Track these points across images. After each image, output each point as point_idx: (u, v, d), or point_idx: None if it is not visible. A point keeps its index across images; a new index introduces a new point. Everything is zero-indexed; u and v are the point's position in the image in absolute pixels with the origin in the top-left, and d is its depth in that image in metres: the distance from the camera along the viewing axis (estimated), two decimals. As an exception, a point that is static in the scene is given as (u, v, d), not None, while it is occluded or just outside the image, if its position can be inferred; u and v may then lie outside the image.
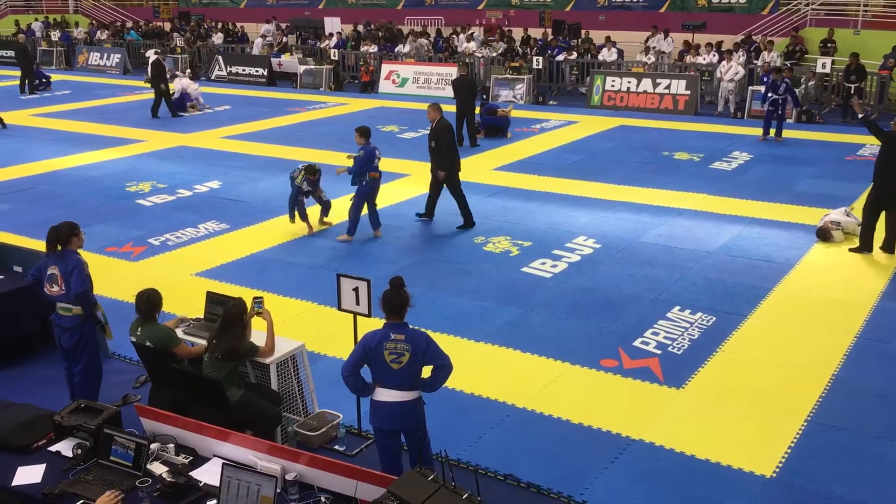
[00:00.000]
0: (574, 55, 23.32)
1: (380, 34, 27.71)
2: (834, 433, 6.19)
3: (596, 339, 7.79)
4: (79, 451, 4.75)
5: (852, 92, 18.18)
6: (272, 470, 4.39)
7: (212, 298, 6.44)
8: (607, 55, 22.64)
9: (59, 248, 6.22)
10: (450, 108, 16.16)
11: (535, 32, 26.11)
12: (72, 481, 4.55)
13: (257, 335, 5.95)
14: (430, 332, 5.22)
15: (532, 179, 13.60)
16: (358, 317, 6.14)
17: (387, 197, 10.87)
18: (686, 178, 13.55)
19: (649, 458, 5.92)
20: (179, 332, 6.19)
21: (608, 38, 23.39)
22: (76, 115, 20.16)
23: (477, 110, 16.95)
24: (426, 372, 5.13)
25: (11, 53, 28.13)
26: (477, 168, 14.27)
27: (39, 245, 8.42)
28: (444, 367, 5.07)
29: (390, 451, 5.22)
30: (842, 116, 18.51)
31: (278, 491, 4.25)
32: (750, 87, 19.24)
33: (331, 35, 27.70)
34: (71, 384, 6.47)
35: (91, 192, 13.11)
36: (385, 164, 10.66)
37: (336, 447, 6.05)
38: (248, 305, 5.91)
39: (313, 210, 11.08)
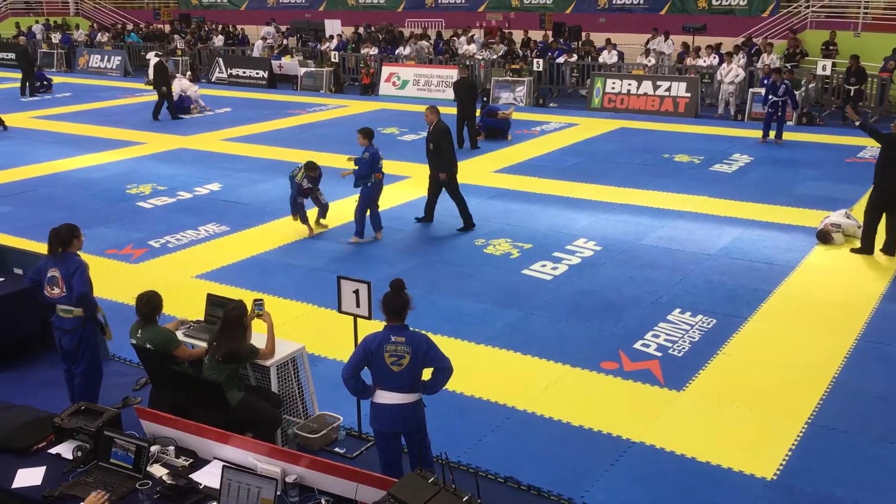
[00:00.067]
0: (574, 57, 23.33)
1: (380, 36, 27.73)
2: (835, 436, 6.19)
3: (596, 341, 7.79)
4: (79, 454, 4.75)
5: (851, 94, 18.18)
6: (272, 472, 4.39)
7: (212, 301, 6.44)
8: (608, 57, 22.66)
9: (61, 250, 6.23)
10: (451, 111, 16.22)
11: (536, 35, 26.12)
12: (72, 483, 4.55)
13: (258, 337, 5.95)
14: (430, 335, 5.22)
15: (532, 182, 13.60)
16: (358, 319, 6.14)
17: (387, 199, 10.87)
18: (686, 181, 13.55)
19: (650, 460, 5.91)
20: (180, 335, 6.19)
21: (608, 41, 23.40)
22: (77, 118, 20.17)
23: (477, 113, 16.96)
24: (426, 374, 5.13)
25: (12, 56, 28.16)
26: (477, 170, 14.28)
27: (39, 247, 8.44)
28: (444, 369, 5.07)
29: (390, 453, 5.21)
30: (842, 119, 18.49)
31: (278, 493, 4.25)
32: (750, 90, 19.24)
33: (331, 37, 27.72)
34: (71, 386, 6.46)
35: (91, 195, 13.11)
36: (385, 167, 10.67)
37: (336, 449, 6.05)
38: (249, 308, 5.91)
39: (311, 212, 11.07)
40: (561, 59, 23.20)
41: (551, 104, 21.68)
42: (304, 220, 10.84)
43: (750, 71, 20.21)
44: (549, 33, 25.36)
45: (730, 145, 16.24)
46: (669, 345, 7.67)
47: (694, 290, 8.95)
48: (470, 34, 26.56)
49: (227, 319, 5.64)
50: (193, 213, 12.04)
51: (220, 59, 26.95)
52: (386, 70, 24.04)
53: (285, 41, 28.92)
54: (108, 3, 38.98)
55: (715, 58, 21.31)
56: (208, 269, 9.75)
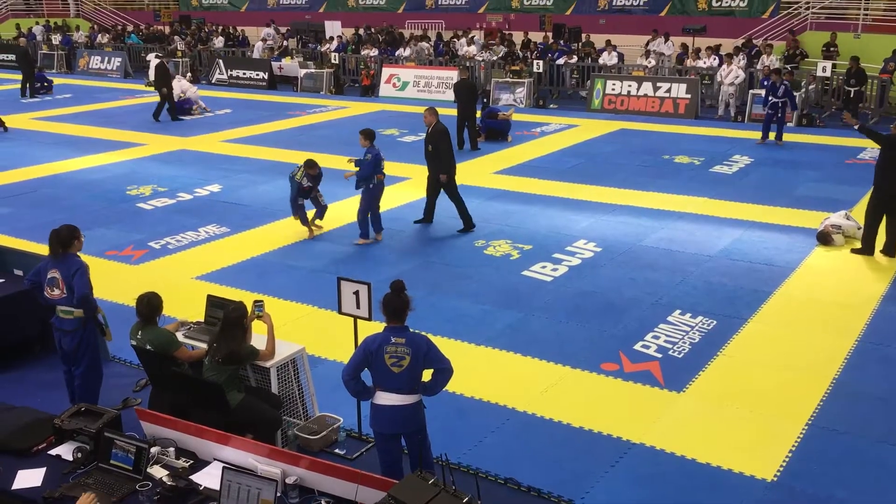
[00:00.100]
0: (574, 59, 23.34)
1: (380, 38, 27.75)
2: (835, 437, 6.19)
3: (596, 342, 7.79)
4: (79, 455, 4.75)
5: (851, 96, 18.18)
6: (272, 474, 4.39)
7: (212, 302, 6.44)
8: (608, 59, 22.66)
9: (61, 251, 6.22)
10: (451, 112, 16.24)
11: (536, 36, 26.13)
12: (72, 485, 4.55)
13: (258, 339, 5.95)
14: (430, 336, 5.22)
15: (533, 183, 13.60)
16: (358, 320, 6.14)
17: (387, 200, 10.88)
18: (687, 182, 13.55)
19: (650, 461, 5.91)
20: (180, 336, 6.19)
21: (608, 42, 23.41)
22: (77, 119, 20.18)
23: (478, 114, 16.97)
24: (427, 375, 5.13)
25: (13, 57, 28.16)
26: (477, 171, 14.28)
27: (39, 249, 8.45)
28: (444, 370, 5.07)
29: (391, 454, 5.21)
30: (842, 120, 18.47)
31: (278, 495, 4.25)
32: (750, 91, 19.25)
33: (331, 39, 27.75)
34: (71, 387, 6.46)
35: (92, 196, 13.12)
36: (385, 168, 10.66)
37: (336, 451, 6.05)
38: (249, 309, 5.91)
39: (311, 214, 11.06)
40: (561, 61, 23.21)
41: (551, 105, 21.69)
42: (305, 222, 10.84)
43: (750, 72, 20.21)
44: (549, 35, 25.39)
45: (730, 147, 16.25)
46: (670, 346, 7.67)
47: (694, 292, 8.95)
48: (470, 35, 26.58)
49: (228, 321, 5.64)
50: (194, 214, 12.04)
51: (221, 61, 26.97)
52: (386, 71, 24.05)
53: (285, 42, 28.95)
54: (109, 4, 39.02)
55: (715, 59, 21.32)
56: (208, 271, 9.75)
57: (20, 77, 24.24)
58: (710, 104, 20.75)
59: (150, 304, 5.91)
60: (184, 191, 13.33)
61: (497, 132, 17.21)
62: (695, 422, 6.45)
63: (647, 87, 20.23)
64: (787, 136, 16.48)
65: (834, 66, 19.86)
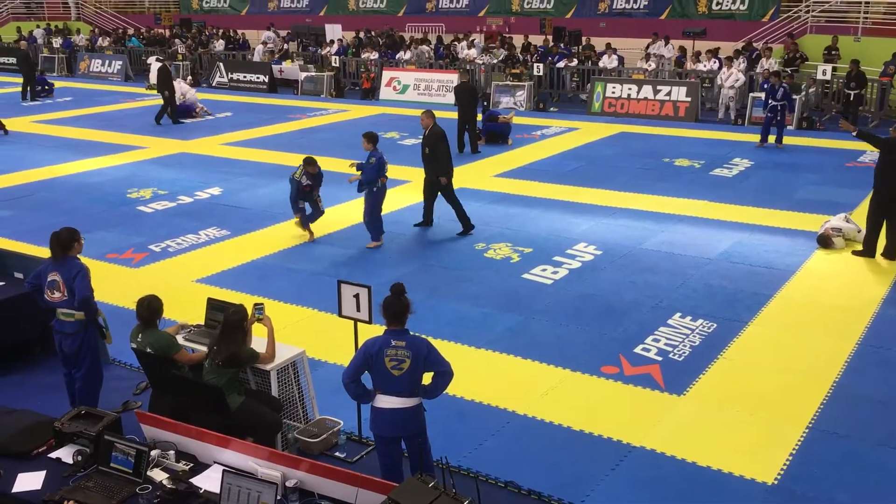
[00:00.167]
0: (575, 62, 23.36)
1: (381, 41, 27.77)
2: (835, 440, 6.18)
3: (597, 345, 7.79)
4: (79, 458, 4.75)
5: (851, 99, 18.19)
6: (272, 477, 4.39)
7: (212, 305, 6.45)
8: (608, 62, 22.68)
9: (61, 253, 6.23)
10: (451, 115, 16.25)
11: (536, 39, 26.16)
12: (72, 488, 4.55)
13: (258, 341, 5.95)
14: (430, 339, 5.22)
15: (533, 186, 13.60)
16: (358, 323, 6.14)
17: (388, 203, 10.87)
18: (687, 185, 13.55)
19: (650, 465, 5.91)
20: (180, 339, 6.19)
21: (609, 45, 23.43)
22: (77, 122, 20.20)
23: (478, 117, 16.98)
24: (427, 378, 5.13)
25: (13, 60, 28.21)
26: (478, 175, 14.29)
27: (40, 251, 8.45)
28: (444, 373, 5.07)
29: (391, 457, 5.21)
30: (840, 125, 18.49)
31: (279, 498, 4.25)
32: (750, 94, 19.25)
33: (332, 42, 27.78)
34: (71, 390, 6.46)
35: (92, 199, 13.12)
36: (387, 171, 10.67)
37: (336, 454, 6.05)
38: (249, 312, 5.91)
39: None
40: (561, 64, 23.23)
41: (552, 108, 21.70)
42: (305, 224, 10.84)
43: (750, 75, 20.23)
44: (550, 38, 25.39)
45: (730, 150, 16.25)
46: (670, 349, 7.66)
47: (694, 295, 8.95)
48: (470, 39, 26.60)
49: (228, 324, 5.64)
50: (194, 217, 12.05)
51: (221, 64, 27.00)
52: (386, 74, 24.08)
53: (286, 46, 28.96)
54: (110, 7, 39.07)
55: (715, 62, 21.33)
56: (209, 274, 9.75)
57: (21, 80, 24.27)
58: (710, 107, 20.76)
59: (150, 307, 5.91)
60: (184, 194, 13.33)
61: (497, 135, 17.23)
62: (695, 425, 6.44)
63: (647, 91, 20.24)
64: (787, 140, 16.49)
65: (834, 69, 19.87)
